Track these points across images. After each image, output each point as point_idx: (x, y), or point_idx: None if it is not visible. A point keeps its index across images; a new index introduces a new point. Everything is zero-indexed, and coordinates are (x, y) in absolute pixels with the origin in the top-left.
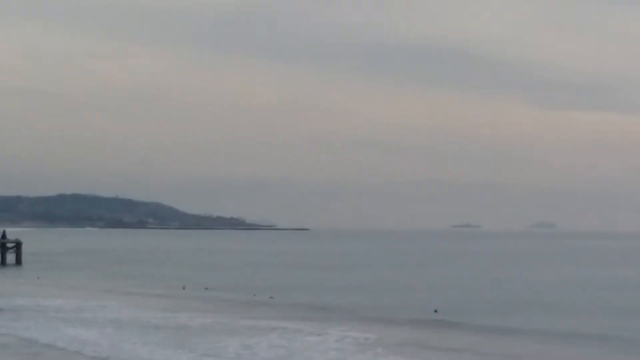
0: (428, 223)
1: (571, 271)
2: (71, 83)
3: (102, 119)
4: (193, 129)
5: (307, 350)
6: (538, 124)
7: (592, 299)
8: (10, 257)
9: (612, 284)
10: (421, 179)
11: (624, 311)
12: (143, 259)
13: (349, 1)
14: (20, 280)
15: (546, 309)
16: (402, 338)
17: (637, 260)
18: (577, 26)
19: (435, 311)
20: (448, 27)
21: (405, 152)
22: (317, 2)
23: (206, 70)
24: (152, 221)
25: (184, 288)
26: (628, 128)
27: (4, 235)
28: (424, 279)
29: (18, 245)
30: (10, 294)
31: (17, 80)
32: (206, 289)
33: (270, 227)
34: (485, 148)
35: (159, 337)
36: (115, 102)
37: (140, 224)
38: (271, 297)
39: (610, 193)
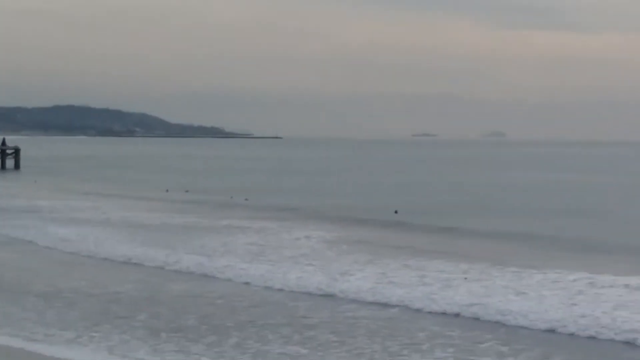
0: (391, 133)
1: (520, 176)
2: (66, 3)
3: (94, 36)
4: (178, 46)
5: (279, 247)
6: (493, 42)
7: (535, 200)
8: (10, 163)
9: (556, 187)
10: (385, 93)
11: (562, 212)
12: (131, 164)
13: None
14: (18, 183)
15: (497, 210)
16: (365, 236)
17: (579, 166)
18: None
19: (396, 212)
20: None
21: (371, 69)
22: None
23: None
24: (139, 130)
25: (167, 191)
26: (578, 46)
27: (3, 142)
28: (387, 183)
29: (17, 152)
30: (8, 196)
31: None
32: (187, 191)
33: (246, 136)
34: (442, 64)
35: (142, 236)
36: (101, 20)
37: (129, 133)
38: (246, 199)
39: (556, 106)
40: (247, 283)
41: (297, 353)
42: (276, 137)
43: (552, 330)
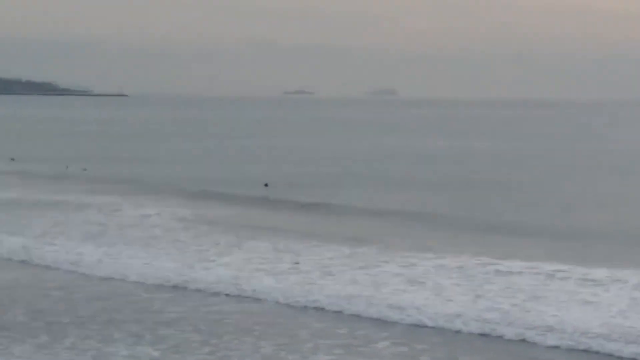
0: (258, 89)
1: (411, 142)
2: None
3: None
4: None
5: (124, 226)
6: None
7: (428, 171)
8: None
9: (454, 155)
10: (250, 42)
11: (460, 185)
12: None
13: None
14: None
15: (383, 183)
16: (228, 214)
17: (485, 129)
18: None
19: (266, 185)
20: None
21: (233, 12)
22: None
23: None
24: None
25: None
26: None
27: None
28: (253, 150)
29: None
30: None
31: None
32: (12, 159)
33: (85, 93)
34: (321, 9)
35: None
36: None
37: None
38: (84, 170)
39: (460, 58)
40: (85, 272)
41: (148, 355)
42: (120, 95)
43: (457, 330)
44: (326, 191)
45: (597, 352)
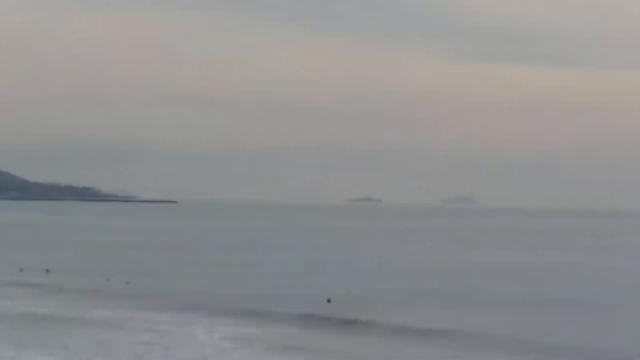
0: (320, 197)
1: (488, 256)
2: None
3: None
4: (34, 81)
5: (172, 346)
6: (454, 79)
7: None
8: None
9: (547, 271)
10: (312, 146)
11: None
12: None
13: None
14: None
15: (448, 301)
16: (289, 334)
17: (577, 242)
18: None
19: (329, 301)
20: None
21: (292, 113)
22: None
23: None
24: None
25: (21, 270)
26: (572, 86)
27: None
28: (314, 263)
29: None
30: None
31: None
32: (47, 271)
33: (129, 199)
34: (391, 108)
35: None
36: None
37: None
38: (128, 283)
39: (541, 164)
40: None
41: None
42: (170, 202)
43: None
44: (398, 310)
45: None
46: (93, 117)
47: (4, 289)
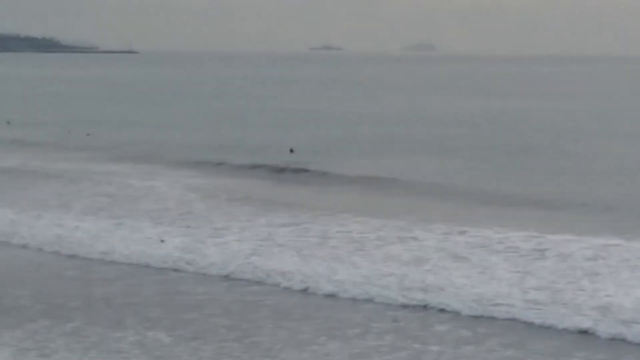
0: (283, 44)
1: (452, 101)
2: None
3: None
4: None
5: (134, 199)
6: None
7: (472, 135)
8: None
9: (502, 117)
10: None
11: (503, 151)
12: None
13: None
14: None
15: (420, 149)
16: (253, 184)
17: (532, 87)
18: None
19: (292, 151)
20: None
21: None
22: None
23: None
24: None
25: None
26: None
27: None
28: (274, 112)
29: None
30: None
31: None
32: (8, 123)
33: (90, 50)
34: None
35: None
36: None
37: None
38: (88, 134)
39: (500, 11)
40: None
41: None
42: (130, 52)
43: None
44: (353, 159)
45: None
46: None
47: None
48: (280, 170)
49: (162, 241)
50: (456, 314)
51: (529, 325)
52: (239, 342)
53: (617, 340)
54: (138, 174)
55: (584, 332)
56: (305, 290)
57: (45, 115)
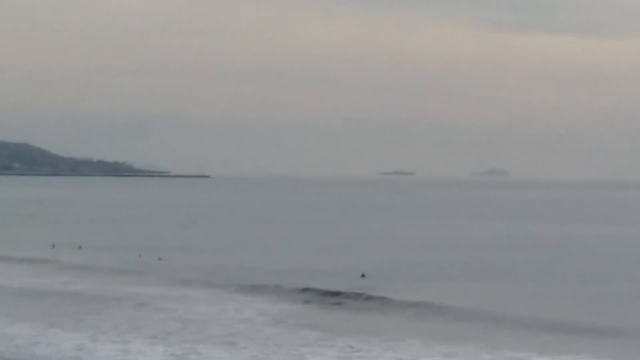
0: (353, 169)
1: (517, 229)
2: None
3: None
4: (64, 55)
5: (207, 324)
6: (486, 49)
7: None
8: None
9: (578, 243)
10: (346, 118)
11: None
12: (8, 212)
13: None
14: None
15: (492, 276)
16: (323, 311)
17: (613, 215)
18: None
19: (363, 276)
20: None
21: (326, 85)
22: None
23: None
24: (18, 166)
25: (53, 247)
26: (601, 55)
27: None
28: (348, 238)
29: None
30: None
31: None
32: (80, 247)
33: (162, 174)
34: (421, 79)
35: (28, 309)
36: None
37: (4, 169)
38: (160, 259)
39: (572, 135)
40: None
41: None
42: (202, 176)
43: None
44: (417, 284)
45: None
46: (124, 91)
47: (36, 266)
48: (347, 296)
49: None
50: None
51: None
52: None
53: None
54: (208, 297)
55: None
56: None
57: (116, 239)
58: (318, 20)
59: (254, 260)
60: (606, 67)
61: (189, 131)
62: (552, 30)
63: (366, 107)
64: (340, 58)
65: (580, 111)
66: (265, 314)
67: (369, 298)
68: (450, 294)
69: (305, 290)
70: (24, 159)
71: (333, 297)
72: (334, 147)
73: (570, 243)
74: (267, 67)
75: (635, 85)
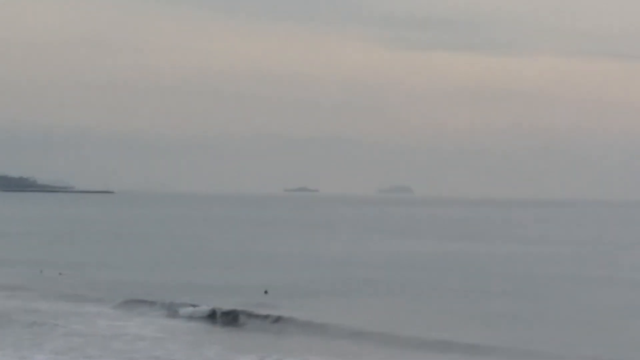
0: (258, 185)
1: (415, 245)
2: None
3: None
4: None
5: (109, 340)
6: (390, 67)
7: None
8: None
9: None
10: (251, 134)
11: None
12: None
13: None
14: None
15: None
16: (226, 328)
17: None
18: None
19: (266, 292)
20: None
21: (231, 102)
22: None
23: None
24: None
25: None
26: (503, 72)
27: None
28: (250, 254)
29: None
30: None
31: None
32: None
33: (66, 189)
34: (326, 96)
35: None
36: None
37: None
38: (60, 274)
39: (477, 152)
40: None
41: None
42: (106, 192)
43: None
44: (315, 303)
45: None
46: (26, 105)
47: None
48: (248, 314)
49: None
50: None
51: None
52: None
53: None
54: (109, 313)
55: None
56: None
57: (17, 254)
58: (227, 36)
59: (156, 276)
60: (512, 84)
61: (95, 146)
62: (456, 48)
63: (271, 123)
64: (248, 74)
65: (486, 128)
66: (167, 330)
67: (267, 317)
68: (342, 312)
69: (208, 307)
70: None
71: (234, 315)
72: (239, 163)
73: (457, 260)
74: (175, 82)
75: (539, 102)
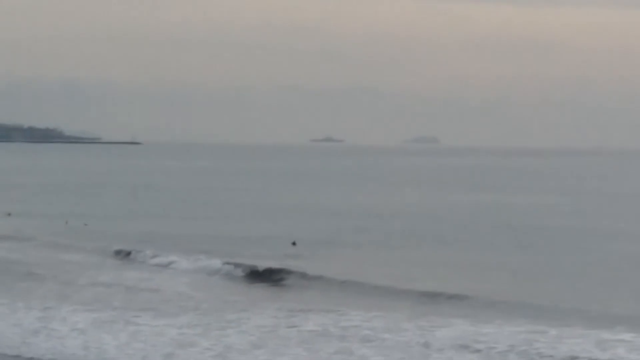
0: (283, 136)
1: (436, 197)
2: None
3: None
4: None
5: (135, 290)
6: (418, 19)
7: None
8: None
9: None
10: (277, 85)
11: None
12: None
13: None
14: None
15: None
16: (252, 281)
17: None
18: None
19: (294, 243)
20: None
21: (257, 53)
22: None
23: None
24: None
25: None
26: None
27: None
28: (277, 205)
29: None
30: None
31: None
32: (9, 214)
33: (94, 140)
34: (353, 48)
35: None
36: None
37: None
38: (86, 224)
39: (507, 105)
40: None
41: None
42: (133, 143)
43: None
44: (342, 256)
45: None
46: (55, 58)
47: None
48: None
49: None
50: None
51: None
52: None
53: None
54: (135, 265)
55: None
56: None
57: (44, 206)
58: None
59: (183, 227)
60: (539, 35)
61: (120, 98)
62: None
63: (297, 75)
64: (274, 26)
65: (511, 80)
66: (196, 283)
67: (291, 273)
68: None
69: (236, 259)
70: None
71: (269, 271)
72: (264, 114)
73: (479, 211)
74: (199, 35)
75: (569, 54)
